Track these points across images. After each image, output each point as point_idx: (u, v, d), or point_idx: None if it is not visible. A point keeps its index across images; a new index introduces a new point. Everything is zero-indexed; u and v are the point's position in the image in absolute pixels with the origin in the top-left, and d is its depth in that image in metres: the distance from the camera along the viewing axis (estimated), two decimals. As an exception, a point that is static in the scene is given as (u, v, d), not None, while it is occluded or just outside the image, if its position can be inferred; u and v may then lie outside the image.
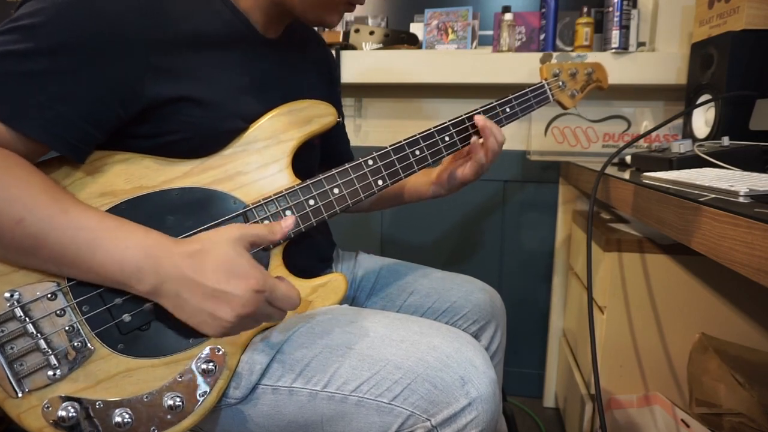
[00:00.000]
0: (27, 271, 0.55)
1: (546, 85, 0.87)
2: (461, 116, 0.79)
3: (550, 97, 0.88)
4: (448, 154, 0.79)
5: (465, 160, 0.83)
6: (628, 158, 1.07)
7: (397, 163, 0.74)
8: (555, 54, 0.91)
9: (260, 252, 0.65)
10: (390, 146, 0.74)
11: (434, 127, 0.77)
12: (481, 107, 0.80)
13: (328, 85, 0.88)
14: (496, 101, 0.82)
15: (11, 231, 0.51)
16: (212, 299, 0.51)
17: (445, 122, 0.78)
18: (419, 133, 0.76)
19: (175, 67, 0.59)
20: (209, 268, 0.52)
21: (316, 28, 0.91)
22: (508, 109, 0.82)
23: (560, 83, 0.89)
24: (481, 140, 0.79)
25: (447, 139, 0.78)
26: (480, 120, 0.78)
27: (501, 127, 0.82)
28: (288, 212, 0.66)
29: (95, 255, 0.52)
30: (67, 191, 0.56)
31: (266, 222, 0.65)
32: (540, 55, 1.35)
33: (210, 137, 0.63)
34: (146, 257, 0.52)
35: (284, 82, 0.74)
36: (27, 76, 0.52)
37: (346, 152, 0.99)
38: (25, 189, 0.51)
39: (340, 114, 0.94)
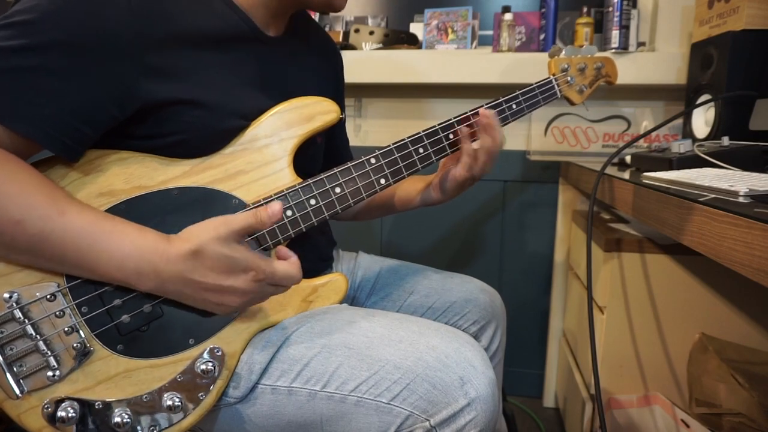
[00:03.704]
0: (27, 272, 0.55)
1: (554, 81, 0.85)
2: (466, 113, 0.77)
3: (558, 93, 0.86)
4: (452, 152, 0.77)
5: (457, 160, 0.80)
6: (628, 158, 1.07)
7: (400, 161, 0.73)
8: (564, 48, 0.89)
9: (260, 252, 0.64)
10: (393, 144, 0.73)
11: (438, 125, 0.76)
12: (486, 103, 0.79)
13: (331, 87, 0.88)
14: (503, 98, 0.80)
15: (11, 231, 0.51)
16: (215, 293, 0.55)
17: (450, 119, 0.77)
18: (423, 131, 0.75)
19: (172, 68, 0.59)
20: (207, 268, 0.54)
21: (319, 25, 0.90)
22: (514, 106, 0.81)
23: (568, 78, 0.87)
24: (473, 133, 0.75)
25: (451, 136, 0.76)
26: (484, 116, 0.74)
27: (507, 123, 0.80)
28: (289, 212, 0.66)
29: (98, 259, 0.53)
30: (62, 189, 0.56)
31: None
32: (544, 53, 1.35)
33: (210, 136, 0.63)
34: (144, 262, 0.53)
35: (286, 80, 0.73)
36: (19, 72, 0.51)
37: (346, 152, 0.98)
38: (21, 187, 0.51)
39: (342, 113, 0.94)
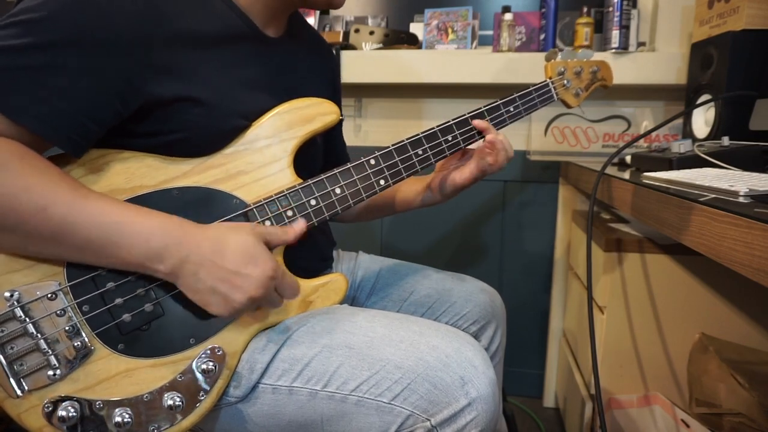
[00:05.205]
0: (28, 271, 0.55)
1: (550, 84, 0.86)
2: (464, 115, 0.78)
3: (555, 96, 0.87)
4: (450, 154, 0.78)
5: (460, 164, 0.82)
6: (628, 158, 1.07)
7: (399, 164, 0.73)
8: (560, 51, 0.90)
9: None
10: (392, 145, 0.73)
11: (437, 126, 0.77)
12: (484, 106, 0.80)
13: (329, 87, 0.88)
14: (500, 100, 0.81)
15: (34, 218, 0.51)
16: (228, 282, 0.55)
17: (449, 121, 0.77)
18: (422, 133, 0.75)
19: (176, 66, 0.59)
20: (229, 251, 0.56)
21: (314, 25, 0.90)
22: (512, 109, 0.82)
23: (565, 82, 0.88)
24: (487, 148, 0.78)
25: (450, 138, 0.77)
26: (490, 136, 0.78)
27: (504, 126, 0.81)
28: (290, 212, 0.66)
29: (123, 237, 0.54)
30: (79, 181, 0.57)
31: (267, 223, 0.65)
32: (544, 53, 1.35)
33: (211, 136, 0.63)
34: (171, 237, 0.55)
35: (286, 81, 0.73)
36: (26, 70, 0.52)
37: (343, 153, 0.98)
38: (44, 177, 0.52)
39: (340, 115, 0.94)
